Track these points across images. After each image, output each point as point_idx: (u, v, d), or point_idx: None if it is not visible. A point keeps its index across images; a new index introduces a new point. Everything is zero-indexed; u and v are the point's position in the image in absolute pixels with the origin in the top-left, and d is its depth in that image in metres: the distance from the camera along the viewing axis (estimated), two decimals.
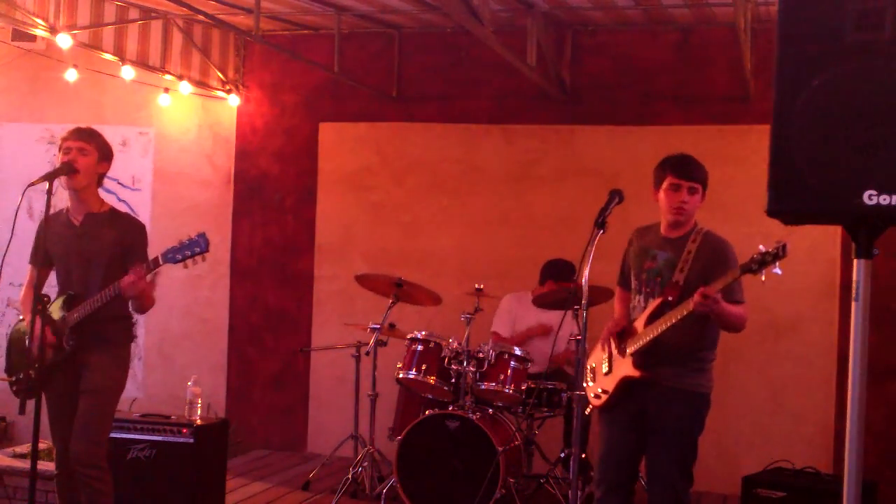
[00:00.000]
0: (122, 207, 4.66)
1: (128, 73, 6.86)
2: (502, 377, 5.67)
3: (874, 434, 6.08)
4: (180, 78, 7.23)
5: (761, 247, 3.70)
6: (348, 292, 7.24)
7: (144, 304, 4.37)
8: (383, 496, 5.81)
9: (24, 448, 6.05)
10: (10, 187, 7.71)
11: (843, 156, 2.27)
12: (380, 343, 5.99)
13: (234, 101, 7.63)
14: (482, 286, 6.07)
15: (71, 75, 7.06)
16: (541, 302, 6.01)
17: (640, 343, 4.05)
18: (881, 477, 5.66)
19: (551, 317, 6.23)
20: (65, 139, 4.35)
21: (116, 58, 6.73)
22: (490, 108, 7.27)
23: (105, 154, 4.42)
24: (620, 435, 4.17)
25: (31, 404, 4.03)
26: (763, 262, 3.68)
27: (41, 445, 4.90)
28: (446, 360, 5.77)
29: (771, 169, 2.34)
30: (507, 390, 5.65)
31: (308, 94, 7.63)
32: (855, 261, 2.40)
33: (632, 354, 4.09)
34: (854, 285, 2.39)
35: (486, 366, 5.71)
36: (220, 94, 7.61)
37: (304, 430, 7.57)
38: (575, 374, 4.46)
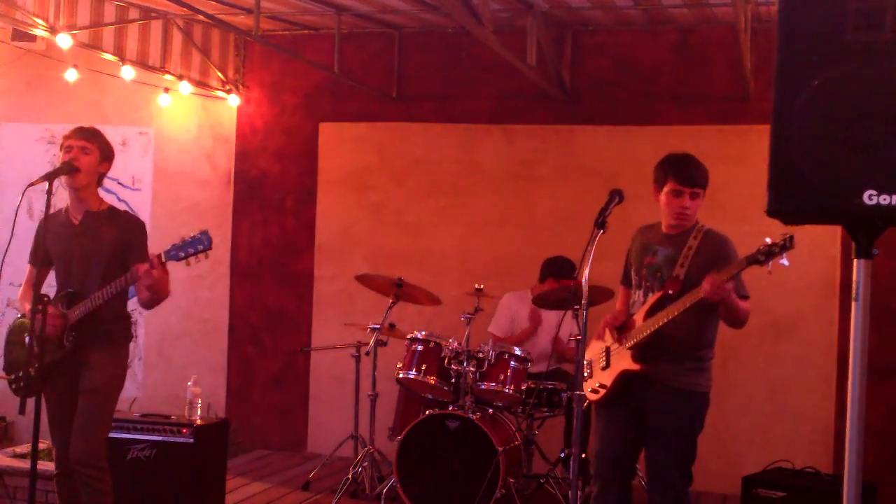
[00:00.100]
0: (122, 207, 4.63)
1: (128, 73, 6.86)
2: (502, 377, 5.67)
3: (874, 434, 6.07)
4: (180, 78, 7.23)
5: (767, 239, 3.69)
6: (348, 292, 7.25)
7: (160, 294, 4.24)
8: (383, 496, 5.81)
9: (24, 448, 6.06)
10: (10, 187, 7.72)
11: (843, 156, 2.27)
12: (380, 343, 5.99)
13: (234, 101, 7.63)
14: (482, 286, 6.09)
15: (71, 75, 7.06)
16: (541, 301, 6.01)
17: (641, 336, 4.04)
18: (881, 477, 5.66)
19: (548, 313, 6.24)
20: (67, 138, 4.34)
21: (116, 58, 6.73)
22: (490, 108, 7.27)
23: (106, 154, 4.42)
24: (617, 433, 4.18)
25: (31, 404, 4.01)
26: (770, 252, 3.67)
27: (41, 445, 4.91)
28: (446, 360, 5.77)
29: (771, 169, 2.34)
30: (507, 390, 5.65)
31: (308, 94, 7.63)
32: (855, 261, 2.40)
33: (630, 348, 4.09)
34: (854, 285, 2.39)
35: (486, 366, 5.71)
36: (220, 94, 7.61)
37: (304, 430, 7.57)
38: (575, 373, 4.46)
